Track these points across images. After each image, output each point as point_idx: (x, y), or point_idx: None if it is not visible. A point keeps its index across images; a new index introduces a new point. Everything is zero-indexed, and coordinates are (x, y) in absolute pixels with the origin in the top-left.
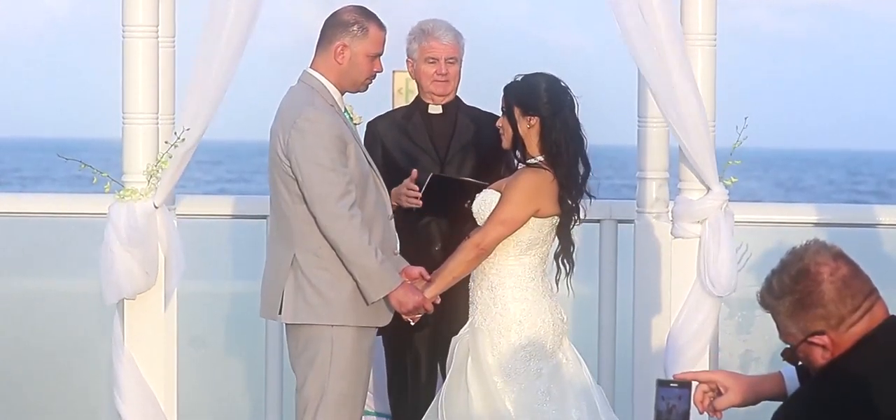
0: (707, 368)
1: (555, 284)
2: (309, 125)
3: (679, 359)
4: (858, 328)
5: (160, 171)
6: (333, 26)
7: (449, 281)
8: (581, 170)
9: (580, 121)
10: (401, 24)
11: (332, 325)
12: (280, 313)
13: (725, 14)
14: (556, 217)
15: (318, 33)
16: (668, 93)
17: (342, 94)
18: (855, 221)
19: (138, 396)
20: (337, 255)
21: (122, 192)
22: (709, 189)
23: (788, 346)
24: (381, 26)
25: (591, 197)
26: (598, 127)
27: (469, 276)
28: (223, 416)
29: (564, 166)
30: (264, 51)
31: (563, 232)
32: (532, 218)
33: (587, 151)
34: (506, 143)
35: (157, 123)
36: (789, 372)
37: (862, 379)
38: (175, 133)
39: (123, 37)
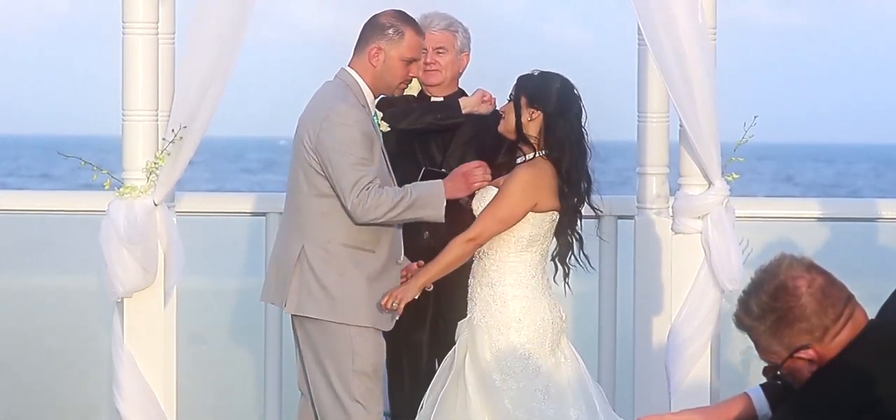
0: (708, 365)
1: (553, 281)
2: (339, 119)
3: (680, 356)
4: (843, 336)
5: (158, 167)
6: (371, 28)
7: (438, 270)
8: (583, 182)
9: (586, 132)
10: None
11: (348, 325)
12: (285, 303)
13: (723, 7)
14: (555, 212)
15: (357, 35)
16: (684, 82)
17: (375, 98)
18: (856, 216)
19: (138, 393)
20: (389, 229)
21: (121, 190)
22: (711, 184)
23: (769, 363)
24: (419, 31)
25: (595, 211)
26: (597, 122)
27: (469, 271)
28: (222, 412)
29: (566, 163)
30: (264, 47)
31: (562, 231)
32: (531, 213)
33: (590, 165)
34: (503, 126)
35: (157, 120)
36: (755, 391)
37: (863, 368)
38: (172, 130)
39: (124, 33)
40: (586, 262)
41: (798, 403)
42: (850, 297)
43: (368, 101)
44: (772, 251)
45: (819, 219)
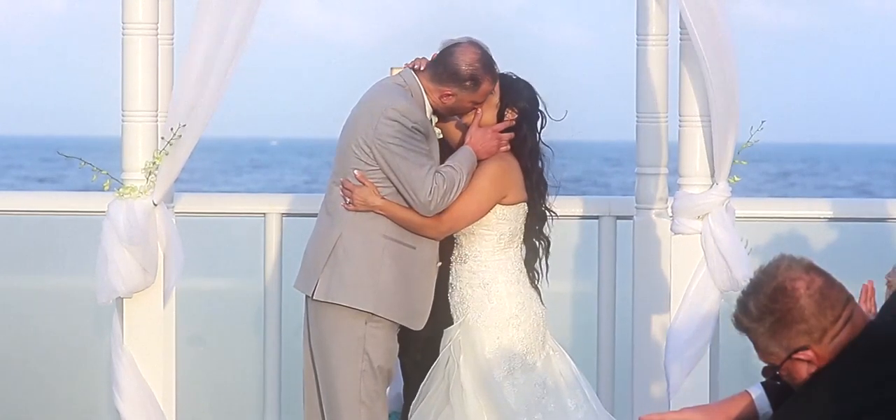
0: (707, 365)
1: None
2: (398, 115)
3: (679, 356)
4: (842, 337)
5: (156, 166)
6: (448, 70)
7: (393, 213)
8: (541, 186)
9: (541, 144)
10: (403, 22)
11: (368, 318)
12: (314, 291)
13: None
14: (524, 203)
15: (436, 54)
16: (721, 80)
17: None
18: (858, 216)
19: (137, 394)
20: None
21: (121, 190)
22: (715, 184)
23: (768, 364)
24: (494, 80)
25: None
26: (596, 122)
27: (451, 274)
28: (222, 413)
29: (526, 160)
30: (262, 48)
31: (528, 236)
32: (499, 207)
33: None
34: (469, 116)
35: (157, 121)
36: (756, 388)
37: (862, 370)
38: (171, 129)
39: (123, 34)
40: (545, 271)
41: (796, 405)
42: (849, 299)
43: (428, 111)
44: (769, 252)
45: (816, 219)
